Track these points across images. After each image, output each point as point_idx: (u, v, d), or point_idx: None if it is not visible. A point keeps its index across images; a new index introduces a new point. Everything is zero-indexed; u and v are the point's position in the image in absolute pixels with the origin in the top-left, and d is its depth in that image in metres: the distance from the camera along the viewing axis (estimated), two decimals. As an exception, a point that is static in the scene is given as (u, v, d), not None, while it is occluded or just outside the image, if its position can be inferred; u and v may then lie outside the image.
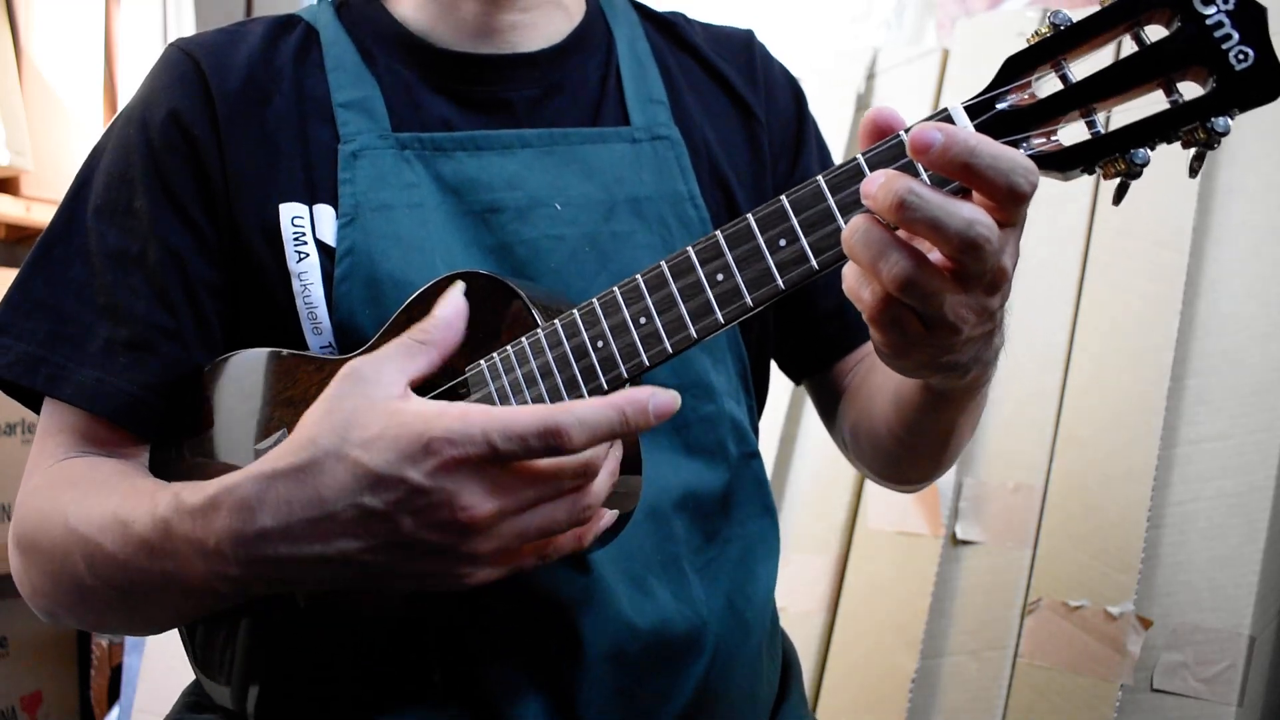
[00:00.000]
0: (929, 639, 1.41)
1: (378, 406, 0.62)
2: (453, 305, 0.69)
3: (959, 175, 0.55)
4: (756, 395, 0.95)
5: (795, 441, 1.66)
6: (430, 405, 0.61)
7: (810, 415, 1.66)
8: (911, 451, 0.86)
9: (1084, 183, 1.50)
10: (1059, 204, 1.48)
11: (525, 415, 0.60)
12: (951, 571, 1.44)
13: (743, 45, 1.00)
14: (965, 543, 1.44)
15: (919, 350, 0.62)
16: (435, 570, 0.63)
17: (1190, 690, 1.23)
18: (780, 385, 1.67)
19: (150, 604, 0.74)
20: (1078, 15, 0.58)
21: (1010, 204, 0.56)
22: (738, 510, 0.88)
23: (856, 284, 0.60)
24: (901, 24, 2.03)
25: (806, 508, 1.59)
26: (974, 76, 1.67)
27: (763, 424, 0.99)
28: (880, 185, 0.55)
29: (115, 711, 1.86)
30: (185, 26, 2.15)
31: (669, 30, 0.98)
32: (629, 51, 0.93)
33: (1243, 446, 1.28)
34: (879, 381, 0.87)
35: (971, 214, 0.55)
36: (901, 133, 0.59)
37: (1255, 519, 1.24)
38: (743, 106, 0.95)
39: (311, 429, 0.63)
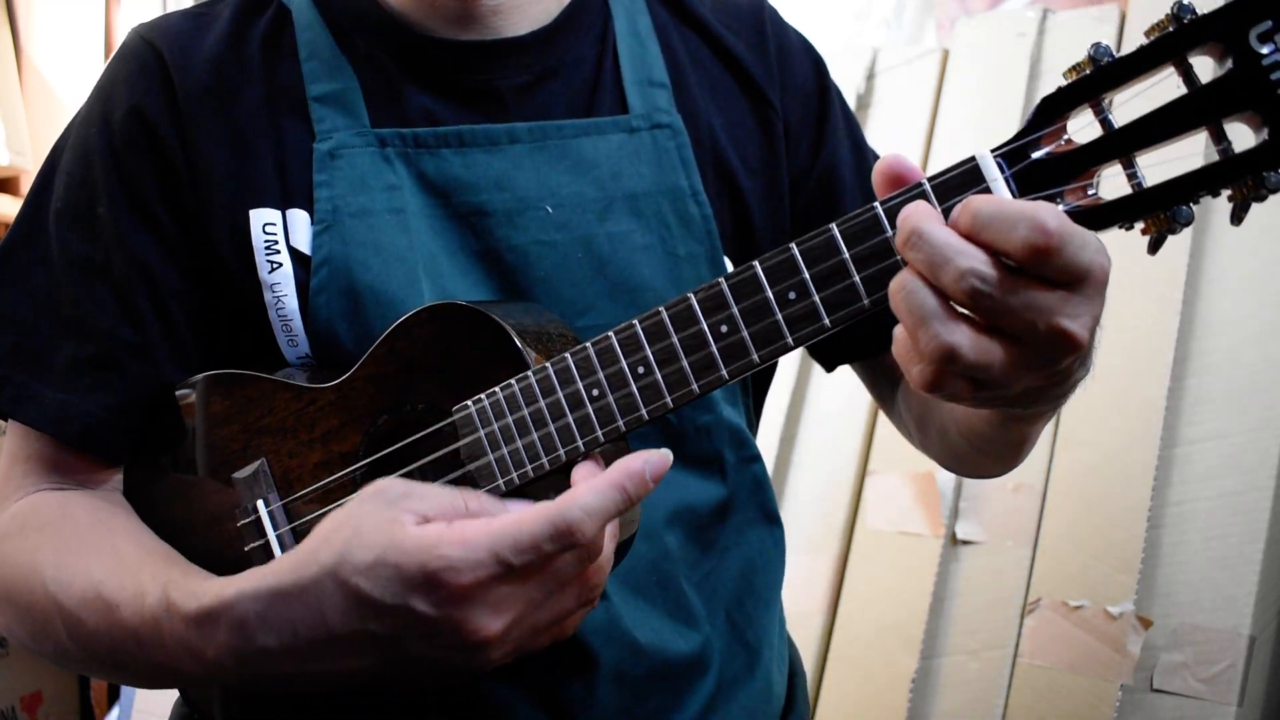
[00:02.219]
0: (929, 639, 1.41)
1: (381, 527, 0.59)
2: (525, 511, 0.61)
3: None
4: (758, 386, 0.91)
5: (795, 441, 1.65)
6: (429, 531, 0.58)
7: (810, 415, 1.66)
8: (982, 456, 0.82)
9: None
10: (1059, 204, 1.48)
11: (531, 521, 0.57)
12: (951, 571, 1.44)
13: (752, 14, 0.91)
14: (965, 543, 1.44)
15: (982, 404, 0.57)
16: (445, 677, 0.62)
17: (1190, 690, 1.23)
18: (780, 385, 1.67)
19: (134, 676, 0.72)
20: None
21: (1032, 261, 0.50)
22: (736, 516, 0.85)
23: (907, 356, 0.55)
24: (901, 23, 2.03)
25: (806, 508, 1.59)
26: (973, 76, 1.67)
27: (762, 424, 0.96)
28: (899, 220, 0.53)
29: (115, 711, 1.86)
30: (185, 26, 2.15)
31: (673, 2, 0.89)
32: (628, 28, 0.85)
33: (1242, 446, 1.28)
34: None
35: (969, 263, 0.51)
36: (924, 181, 0.55)
37: (1255, 519, 1.24)
38: (753, 90, 0.87)
39: (319, 540, 0.61)
